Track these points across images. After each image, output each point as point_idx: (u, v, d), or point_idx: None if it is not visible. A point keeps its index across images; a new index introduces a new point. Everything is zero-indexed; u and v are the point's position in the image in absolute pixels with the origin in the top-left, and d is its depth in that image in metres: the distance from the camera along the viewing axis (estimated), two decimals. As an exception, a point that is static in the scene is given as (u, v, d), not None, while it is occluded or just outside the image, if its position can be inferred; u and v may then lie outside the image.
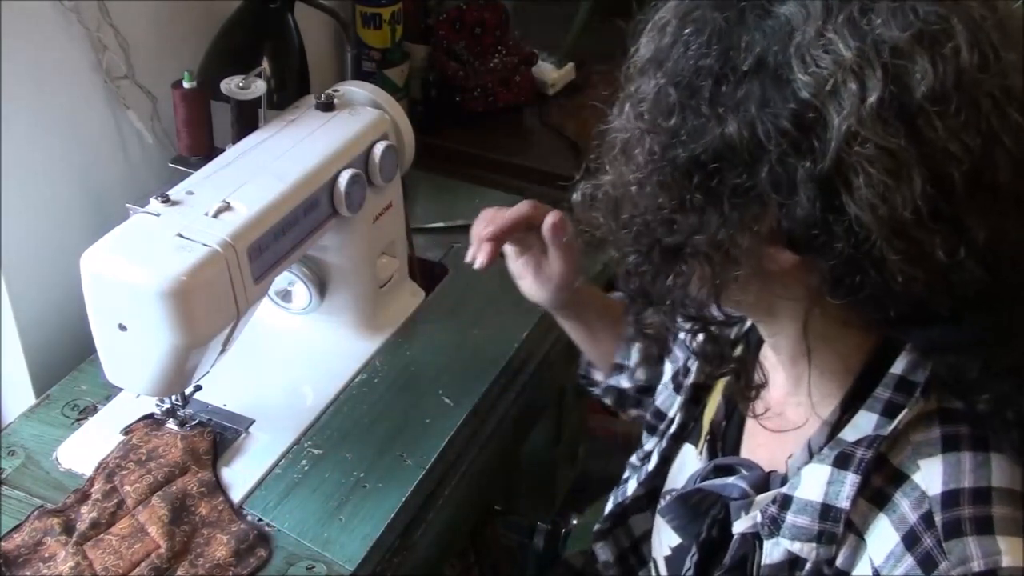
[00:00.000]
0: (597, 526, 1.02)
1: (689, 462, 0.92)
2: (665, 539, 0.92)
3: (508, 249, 1.05)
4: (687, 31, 0.65)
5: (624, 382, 1.11)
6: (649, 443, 0.99)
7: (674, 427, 0.95)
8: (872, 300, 0.65)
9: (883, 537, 0.70)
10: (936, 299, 0.64)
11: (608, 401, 1.15)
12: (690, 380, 0.94)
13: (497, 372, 1.19)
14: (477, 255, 1.02)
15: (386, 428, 1.10)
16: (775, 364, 0.83)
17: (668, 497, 0.90)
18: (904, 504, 0.69)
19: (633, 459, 1.02)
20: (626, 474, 1.02)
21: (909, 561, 0.67)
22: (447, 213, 1.49)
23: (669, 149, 0.65)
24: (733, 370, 0.85)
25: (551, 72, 1.81)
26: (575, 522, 1.45)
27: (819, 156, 0.60)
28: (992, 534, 0.66)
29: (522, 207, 1.02)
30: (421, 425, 1.11)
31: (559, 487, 1.61)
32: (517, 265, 1.07)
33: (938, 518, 0.67)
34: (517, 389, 1.23)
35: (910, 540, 0.68)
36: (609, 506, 1.01)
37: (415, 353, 1.21)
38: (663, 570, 0.94)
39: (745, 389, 0.84)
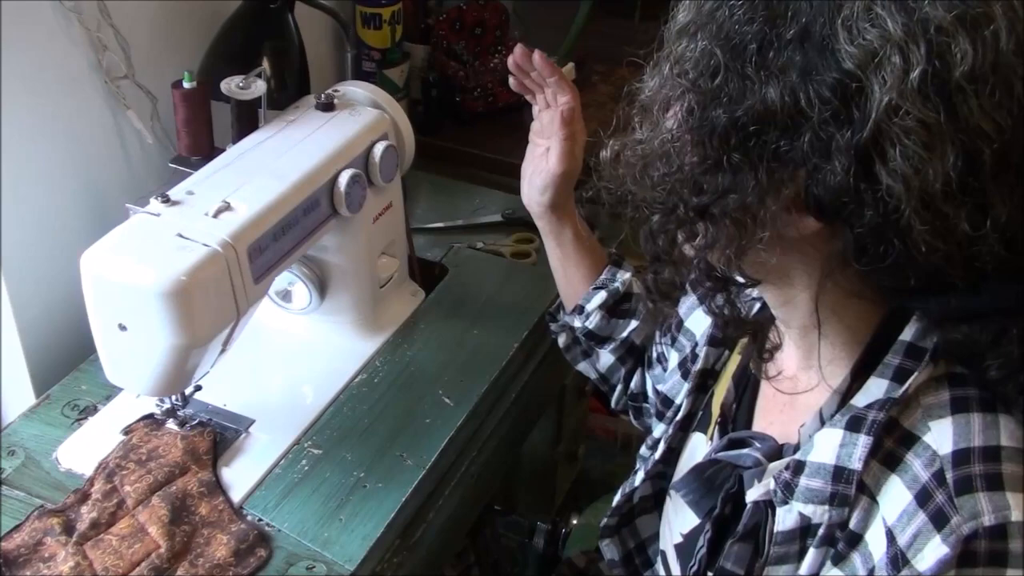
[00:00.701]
0: (604, 520, 1.03)
1: (699, 451, 0.93)
2: (676, 526, 0.93)
3: (532, 133, 1.10)
4: None
5: (576, 322, 1.13)
6: (657, 431, 1.01)
7: (681, 414, 0.96)
8: (893, 269, 0.67)
9: (896, 497, 0.71)
10: (955, 271, 0.66)
11: (560, 342, 1.17)
12: (697, 366, 0.95)
13: (497, 372, 1.19)
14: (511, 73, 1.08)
15: (386, 428, 1.11)
16: (785, 340, 0.85)
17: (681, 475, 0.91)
18: (916, 464, 0.71)
19: (643, 450, 1.03)
20: (636, 466, 1.02)
21: (922, 518, 0.69)
22: (447, 213, 1.49)
23: (709, 109, 0.67)
24: (750, 331, 0.87)
25: (551, 72, 1.81)
26: (575, 522, 1.45)
27: (858, 126, 0.63)
28: (1003, 490, 0.67)
29: (565, 73, 1.06)
30: (421, 425, 1.11)
31: (559, 487, 1.61)
32: (532, 155, 1.11)
33: (949, 475, 0.68)
34: (517, 389, 1.23)
35: (922, 498, 0.69)
36: (617, 498, 1.02)
37: (415, 353, 1.21)
38: (673, 560, 0.94)
39: (760, 350, 0.86)
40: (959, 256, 0.65)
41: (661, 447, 0.98)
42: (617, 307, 1.11)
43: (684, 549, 0.92)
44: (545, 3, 1.97)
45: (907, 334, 0.74)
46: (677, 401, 0.98)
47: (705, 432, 0.93)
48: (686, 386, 0.96)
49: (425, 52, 1.73)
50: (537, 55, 1.05)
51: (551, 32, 1.88)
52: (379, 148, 1.13)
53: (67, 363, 1.17)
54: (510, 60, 1.06)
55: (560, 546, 1.42)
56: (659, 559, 0.98)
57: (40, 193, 1.16)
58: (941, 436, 0.70)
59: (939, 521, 0.68)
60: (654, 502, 1.00)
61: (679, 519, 0.92)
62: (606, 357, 1.12)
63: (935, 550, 0.67)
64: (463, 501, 1.12)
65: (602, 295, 1.11)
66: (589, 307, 1.11)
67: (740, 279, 0.77)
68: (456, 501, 1.10)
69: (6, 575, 0.93)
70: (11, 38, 1.06)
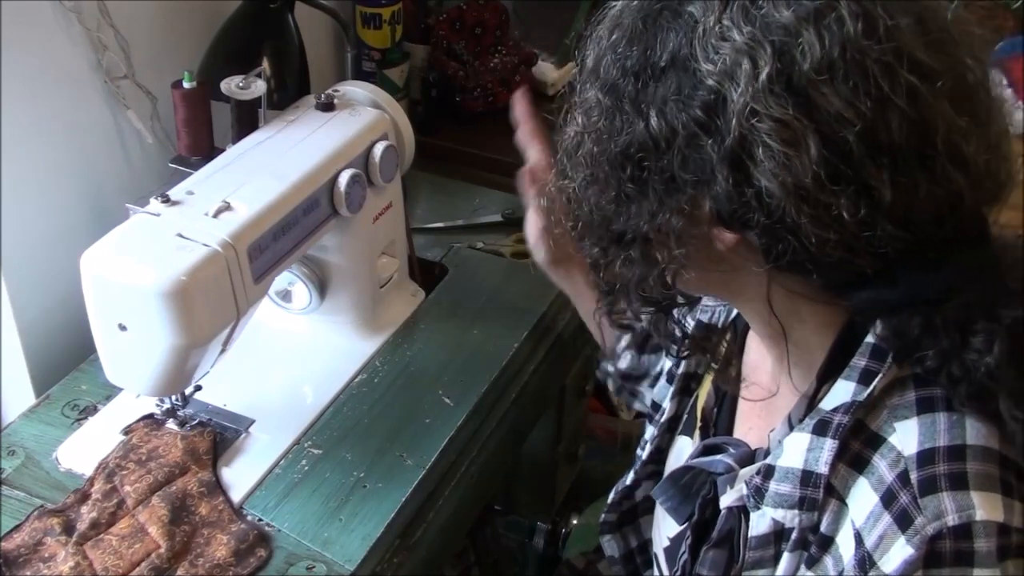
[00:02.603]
0: (603, 516, 1.04)
1: (684, 453, 0.94)
2: (664, 530, 0.93)
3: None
4: (615, 37, 0.71)
5: (610, 366, 1.14)
6: (648, 432, 1.02)
7: (665, 416, 0.97)
8: (798, 266, 0.68)
9: (863, 498, 0.71)
10: (860, 260, 0.67)
11: (611, 387, 1.17)
12: (680, 370, 0.96)
13: (497, 372, 1.19)
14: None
15: (386, 428, 1.10)
16: (761, 349, 0.86)
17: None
18: (882, 465, 0.71)
19: (638, 450, 1.03)
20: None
21: (887, 519, 0.69)
22: (447, 213, 1.49)
23: (604, 147, 0.71)
24: (700, 350, 0.91)
25: (551, 72, 1.81)
26: (575, 522, 1.46)
27: (724, 135, 0.66)
28: (967, 489, 0.67)
29: (533, 147, 1.10)
30: (421, 425, 1.11)
31: (559, 487, 1.61)
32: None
33: (914, 476, 0.69)
34: (517, 389, 1.23)
35: (887, 499, 0.69)
36: (612, 495, 1.03)
37: (415, 353, 1.21)
38: (663, 563, 0.94)
39: (720, 368, 0.90)
40: (857, 244, 0.66)
41: (648, 448, 0.99)
42: (646, 343, 1.10)
43: (670, 553, 0.92)
44: (545, 3, 1.97)
45: (871, 336, 0.74)
46: (663, 404, 0.99)
47: (691, 435, 0.94)
48: (670, 389, 0.98)
49: (425, 52, 1.73)
50: (518, 99, 1.10)
51: (551, 32, 1.88)
52: (379, 148, 1.13)
53: (67, 363, 1.17)
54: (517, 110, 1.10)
55: (560, 546, 1.42)
56: (654, 560, 0.99)
57: (40, 193, 1.16)
58: (906, 437, 0.70)
59: (904, 522, 0.68)
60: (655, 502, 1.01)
61: (666, 523, 0.93)
62: (649, 394, 1.10)
63: (900, 551, 0.67)
64: (463, 501, 1.12)
65: (667, 387, 1.08)
66: (619, 348, 1.12)
67: (682, 299, 0.81)
68: (456, 501, 1.10)
69: (6, 575, 0.93)
70: (11, 38, 1.06)
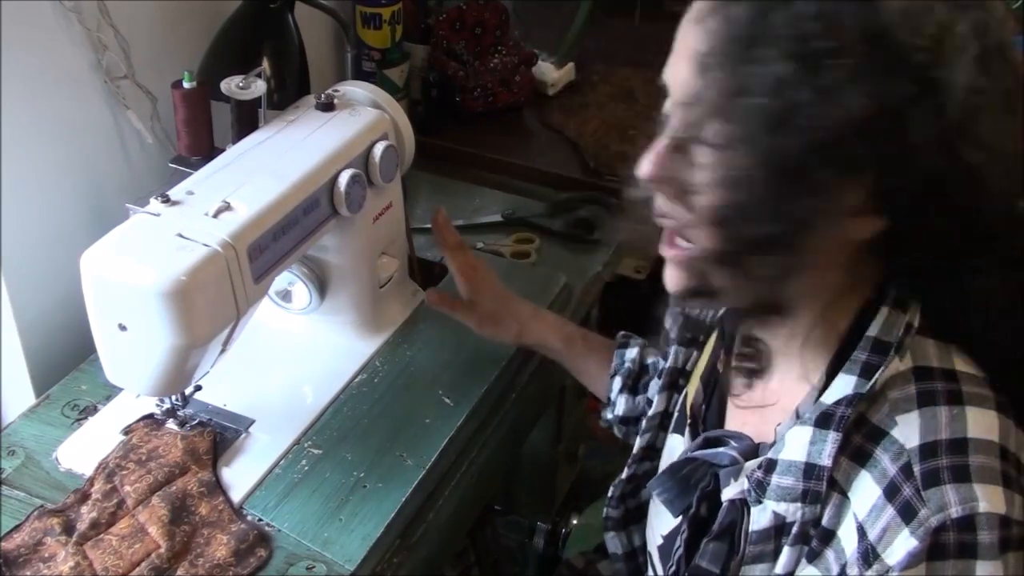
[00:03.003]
0: (606, 511, 1.04)
1: (677, 452, 0.94)
2: (657, 528, 0.93)
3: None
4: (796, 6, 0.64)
5: (608, 414, 1.15)
6: (641, 427, 1.02)
7: (653, 410, 0.98)
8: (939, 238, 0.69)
9: (865, 492, 0.71)
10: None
11: (616, 434, 1.18)
12: (667, 365, 0.97)
13: (497, 372, 1.19)
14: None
15: (386, 428, 1.10)
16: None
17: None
18: (884, 459, 0.71)
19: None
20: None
21: (890, 511, 0.69)
22: (447, 213, 1.49)
23: (780, 132, 0.64)
24: (707, 332, 0.91)
25: (551, 72, 1.81)
26: (575, 522, 1.46)
27: (942, 110, 0.64)
28: (969, 482, 0.68)
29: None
30: (421, 425, 1.11)
31: (559, 487, 1.61)
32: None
33: (917, 468, 0.69)
34: (517, 389, 1.23)
35: (890, 491, 0.70)
36: (611, 491, 1.03)
37: (415, 353, 1.21)
38: (656, 562, 0.94)
39: (730, 352, 0.89)
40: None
41: (638, 443, 1.00)
42: (637, 384, 1.11)
43: (664, 551, 0.92)
44: (545, 3, 1.97)
45: (872, 329, 0.74)
46: (653, 398, 1.00)
47: (682, 434, 0.94)
48: (658, 383, 0.98)
49: (425, 52, 1.73)
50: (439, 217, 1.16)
51: (551, 32, 1.89)
52: (379, 148, 1.13)
53: (67, 363, 1.17)
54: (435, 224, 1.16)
55: (560, 546, 1.42)
56: (648, 560, 0.99)
57: (40, 193, 1.16)
58: (908, 430, 0.71)
59: (907, 514, 0.68)
60: None
61: (659, 521, 0.93)
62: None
63: (904, 543, 0.67)
64: (463, 501, 1.12)
65: (618, 380, 1.12)
66: (612, 395, 1.13)
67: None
68: (456, 501, 1.10)
69: (6, 575, 0.93)
70: (11, 38, 1.06)
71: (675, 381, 0.97)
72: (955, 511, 0.67)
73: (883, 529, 0.69)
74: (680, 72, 0.70)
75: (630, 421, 1.12)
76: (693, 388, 0.94)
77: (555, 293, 1.33)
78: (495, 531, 1.47)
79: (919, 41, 0.63)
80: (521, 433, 1.30)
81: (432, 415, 1.12)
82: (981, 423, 0.70)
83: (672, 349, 0.97)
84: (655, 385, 1.02)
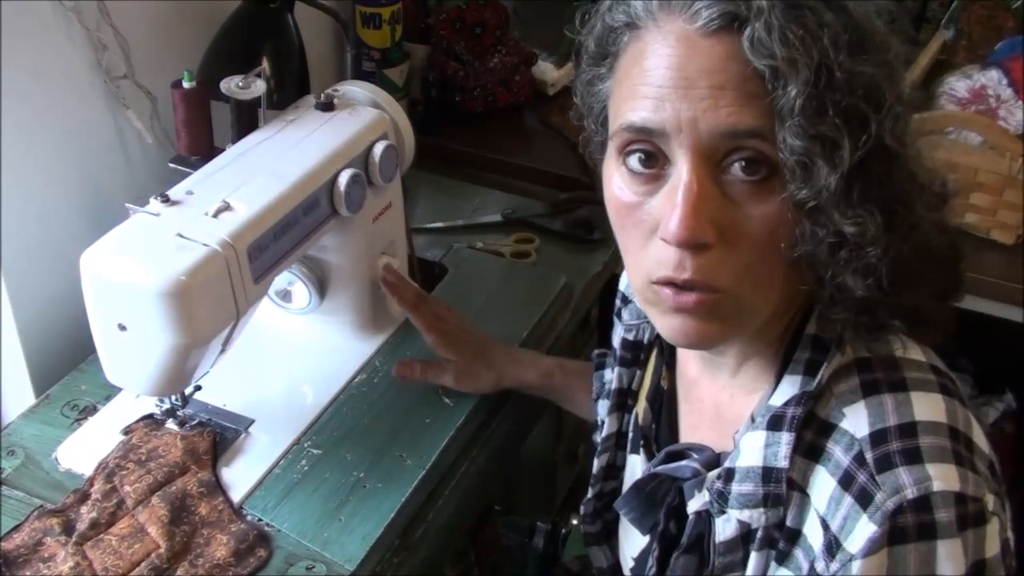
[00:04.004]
0: (583, 528, 1.03)
1: (637, 471, 0.93)
2: (628, 550, 0.93)
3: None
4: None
5: (598, 436, 1.12)
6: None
7: (604, 432, 0.98)
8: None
9: (823, 486, 0.72)
10: None
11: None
12: (614, 386, 0.96)
13: (497, 372, 1.19)
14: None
15: (386, 428, 1.10)
16: (699, 362, 0.86)
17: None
18: (836, 451, 0.71)
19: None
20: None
21: (848, 500, 0.69)
22: (447, 213, 1.49)
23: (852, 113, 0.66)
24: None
25: (551, 72, 1.81)
26: (575, 522, 1.45)
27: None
28: (922, 463, 0.68)
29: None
30: (421, 425, 1.11)
31: (559, 487, 1.61)
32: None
33: (869, 455, 0.69)
34: (517, 389, 1.23)
35: (846, 481, 0.70)
36: (583, 508, 1.03)
37: (415, 353, 1.21)
38: None
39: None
40: None
41: (596, 463, 1.00)
42: (624, 402, 1.10)
43: (636, 572, 0.92)
44: (545, 3, 1.97)
45: (811, 327, 0.75)
46: (603, 419, 1.00)
47: (638, 453, 0.93)
48: (606, 405, 0.98)
49: (425, 52, 1.73)
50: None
51: (551, 32, 1.88)
52: (379, 148, 1.13)
53: (67, 363, 1.17)
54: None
55: (560, 546, 1.42)
56: None
57: (40, 193, 1.16)
58: (857, 420, 0.71)
59: (864, 500, 0.68)
60: None
61: (629, 544, 0.92)
62: None
63: (864, 529, 0.68)
64: (463, 501, 1.12)
65: (604, 403, 1.09)
66: (600, 417, 1.10)
67: None
68: (456, 501, 1.10)
69: (6, 575, 0.93)
70: (11, 38, 1.06)
71: (624, 401, 0.96)
72: (910, 492, 0.67)
73: (844, 519, 0.69)
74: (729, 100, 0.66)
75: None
76: (641, 408, 0.93)
77: (555, 293, 1.33)
78: (495, 531, 1.47)
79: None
80: (521, 433, 1.30)
81: (432, 415, 1.12)
82: (927, 406, 0.71)
83: (616, 370, 0.97)
84: (603, 406, 1.01)
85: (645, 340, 0.95)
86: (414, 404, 1.14)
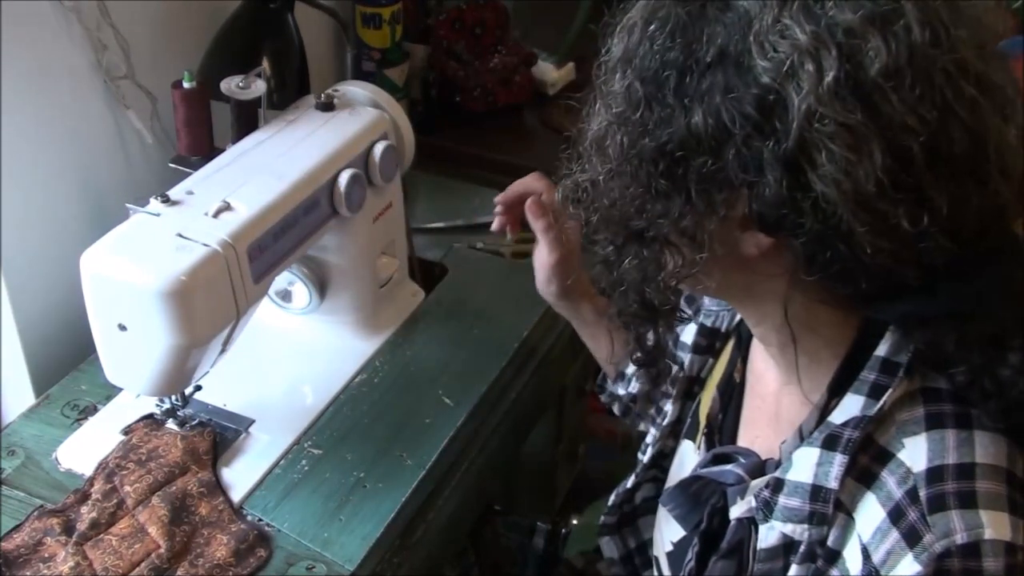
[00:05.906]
0: (602, 519, 1.03)
1: (688, 458, 0.93)
2: (667, 535, 0.93)
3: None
4: (652, 28, 0.68)
5: (620, 390, 1.12)
6: (649, 436, 1.02)
7: (668, 420, 0.97)
8: (844, 275, 0.67)
9: (870, 514, 0.71)
10: (905, 271, 0.66)
11: (614, 410, 1.16)
12: (682, 373, 0.96)
13: (497, 372, 1.19)
14: (495, 221, 1.12)
15: (386, 428, 1.10)
16: (767, 358, 0.85)
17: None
18: (890, 481, 0.70)
19: (639, 454, 1.03)
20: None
21: (895, 535, 0.68)
22: (447, 213, 1.49)
23: (637, 140, 0.69)
24: (660, 364, 0.91)
25: (551, 72, 1.81)
26: (575, 522, 1.45)
27: (782, 136, 0.63)
28: (976, 508, 0.67)
29: (526, 179, 1.09)
30: (421, 425, 1.11)
31: (559, 487, 1.61)
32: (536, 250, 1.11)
33: (923, 493, 0.68)
34: (517, 389, 1.23)
35: (895, 515, 0.69)
36: (612, 498, 1.02)
37: (415, 353, 1.21)
38: (665, 567, 0.94)
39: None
40: (907, 254, 0.65)
41: (650, 451, 0.99)
42: (691, 390, 1.09)
43: (674, 558, 0.92)
44: (545, 3, 1.97)
45: (881, 349, 0.73)
46: (665, 407, 0.99)
47: (694, 440, 0.93)
48: (672, 392, 0.97)
49: (425, 52, 1.73)
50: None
51: (551, 32, 1.88)
52: (379, 148, 1.13)
53: (67, 363, 1.17)
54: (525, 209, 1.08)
55: (560, 546, 1.42)
56: (654, 563, 0.99)
57: (40, 193, 1.16)
58: (915, 453, 0.70)
59: (912, 539, 0.67)
60: (657, 503, 1.00)
61: (669, 528, 0.92)
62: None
63: (908, 567, 0.67)
64: (463, 501, 1.12)
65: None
66: (628, 372, 1.10)
67: (681, 308, 0.80)
68: (456, 501, 1.10)
69: (6, 575, 0.93)
70: (11, 38, 1.06)
71: (689, 389, 0.96)
72: (960, 537, 0.66)
73: (887, 552, 0.68)
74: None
75: (637, 401, 1.11)
76: (708, 396, 0.93)
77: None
78: (495, 531, 1.47)
79: (764, 63, 0.63)
80: (521, 433, 1.30)
81: (432, 415, 1.12)
82: (989, 448, 0.69)
83: (688, 357, 0.96)
84: (667, 390, 1.01)
85: (723, 328, 0.94)
86: (414, 404, 1.14)
